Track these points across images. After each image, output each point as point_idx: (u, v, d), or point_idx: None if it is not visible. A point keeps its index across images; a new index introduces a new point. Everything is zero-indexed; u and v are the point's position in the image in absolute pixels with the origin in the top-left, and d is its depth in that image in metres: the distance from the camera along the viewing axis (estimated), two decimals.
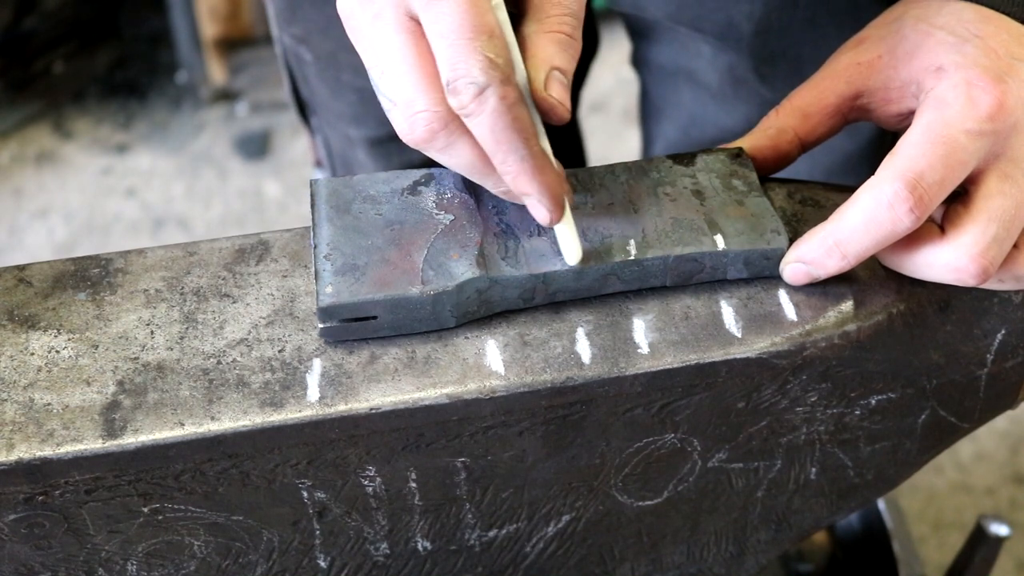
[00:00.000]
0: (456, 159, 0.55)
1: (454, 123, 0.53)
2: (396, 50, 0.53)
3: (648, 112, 1.07)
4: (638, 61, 1.03)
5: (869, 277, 0.59)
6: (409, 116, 0.53)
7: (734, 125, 0.94)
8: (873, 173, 0.55)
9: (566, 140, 1.17)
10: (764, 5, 0.83)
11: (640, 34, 0.99)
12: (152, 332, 0.56)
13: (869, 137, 0.92)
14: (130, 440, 0.52)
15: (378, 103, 0.56)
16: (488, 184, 0.56)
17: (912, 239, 0.56)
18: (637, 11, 0.89)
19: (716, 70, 0.91)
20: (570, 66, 0.55)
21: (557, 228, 0.56)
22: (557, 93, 0.54)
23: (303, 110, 1.07)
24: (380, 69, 0.54)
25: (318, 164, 1.15)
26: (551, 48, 0.54)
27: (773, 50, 0.86)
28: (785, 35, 0.85)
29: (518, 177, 0.53)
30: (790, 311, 0.58)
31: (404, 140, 0.54)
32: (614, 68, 1.89)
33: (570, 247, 0.56)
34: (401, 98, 0.53)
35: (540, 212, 0.55)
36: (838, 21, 0.84)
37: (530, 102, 0.54)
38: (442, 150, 0.54)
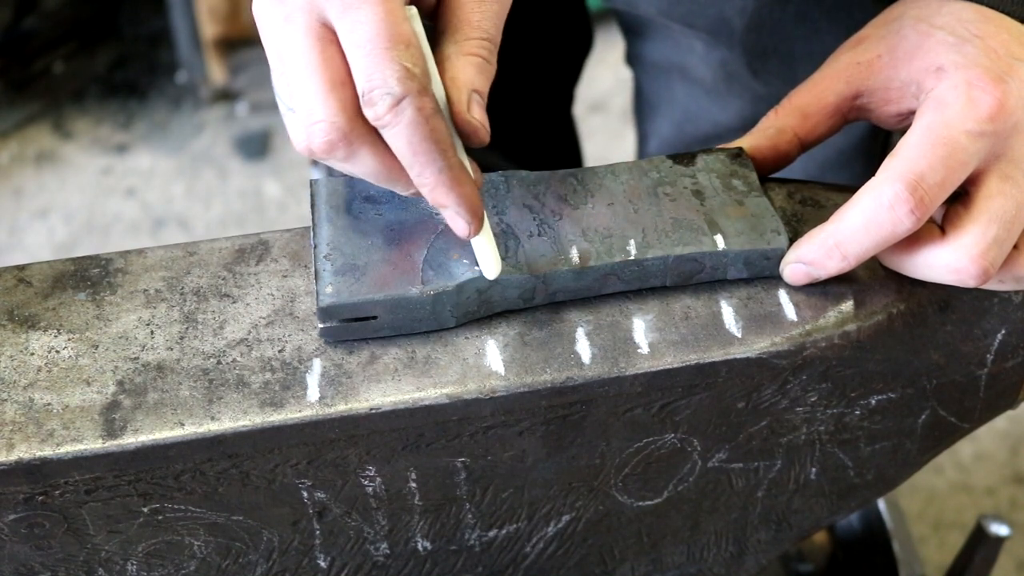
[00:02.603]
0: (358, 168, 0.54)
1: (354, 133, 0.52)
2: (301, 55, 0.52)
3: (642, 109, 1.07)
4: (632, 58, 1.03)
5: (869, 277, 0.59)
6: (308, 125, 0.52)
7: (728, 120, 0.94)
8: (867, 168, 0.55)
9: (562, 140, 1.17)
10: (756, 1, 0.83)
11: (633, 31, 1.00)
12: (152, 332, 0.56)
13: (863, 132, 0.92)
14: (130, 440, 0.52)
15: None
16: (397, 188, 0.55)
17: (912, 240, 0.56)
18: (630, 8, 0.89)
19: (709, 66, 0.91)
20: (487, 89, 0.54)
21: (474, 241, 0.55)
22: (479, 115, 0.53)
23: None
24: (281, 72, 0.53)
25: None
26: (470, 70, 0.54)
27: (765, 45, 0.86)
28: (777, 30, 0.85)
29: (435, 189, 0.52)
30: (790, 311, 0.58)
31: (299, 150, 0.53)
32: (614, 68, 1.89)
33: (488, 261, 0.55)
34: (300, 106, 0.52)
35: (458, 224, 0.54)
36: (830, 16, 0.84)
37: (447, 116, 0.53)
38: (343, 160, 0.53)
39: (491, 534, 0.62)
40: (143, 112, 2.29)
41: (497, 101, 0.63)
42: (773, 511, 0.67)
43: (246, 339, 0.56)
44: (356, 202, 0.59)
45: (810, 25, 0.84)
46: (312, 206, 0.59)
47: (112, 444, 0.52)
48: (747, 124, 0.65)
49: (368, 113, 0.51)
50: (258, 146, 2.20)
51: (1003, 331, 0.62)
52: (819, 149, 0.66)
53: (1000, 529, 0.84)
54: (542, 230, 0.58)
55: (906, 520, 1.07)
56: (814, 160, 0.91)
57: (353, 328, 0.55)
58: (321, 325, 0.55)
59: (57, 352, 0.55)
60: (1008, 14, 0.58)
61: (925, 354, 0.61)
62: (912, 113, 0.58)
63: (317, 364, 0.55)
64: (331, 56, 0.51)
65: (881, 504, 1.05)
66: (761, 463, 0.63)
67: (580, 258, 0.57)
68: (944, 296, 0.60)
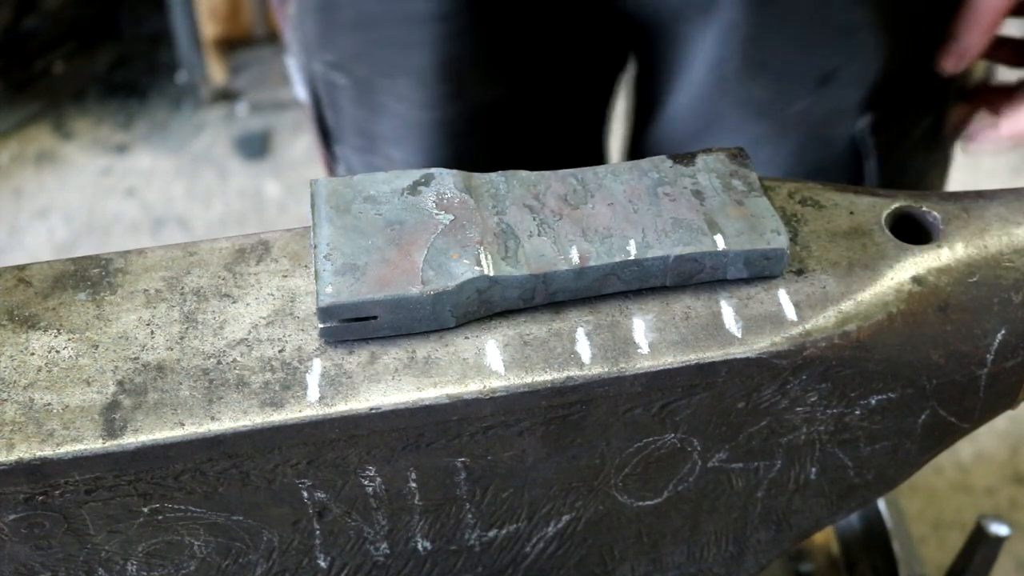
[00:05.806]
0: None
1: None
2: None
3: (636, 108, 1.07)
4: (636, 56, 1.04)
5: (869, 276, 0.59)
6: None
7: (719, 128, 0.95)
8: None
9: (593, 162, 1.17)
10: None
11: (636, 31, 1.00)
12: (152, 332, 0.56)
13: (843, 147, 0.93)
14: (130, 440, 0.52)
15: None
16: None
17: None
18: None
19: (706, 64, 0.91)
20: None
21: None
22: None
23: (327, 138, 1.06)
24: None
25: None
26: None
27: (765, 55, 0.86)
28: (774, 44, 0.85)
29: None
30: (790, 311, 0.58)
31: None
32: None
33: None
34: None
35: None
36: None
37: None
38: None
39: (491, 534, 0.62)
40: (143, 112, 2.29)
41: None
42: (773, 511, 0.67)
43: (246, 339, 0.56)
44: (356, 202, 0.59)
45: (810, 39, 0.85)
46: (312, 206, 0.59)
47: (112, 444, 0.52)
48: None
49: None
50: (258, 146, 2.20)
51: (1003, 331, 0.62)
52: (799, 164, 0.66)
53: (1000, 529, 0.84)
54: (542, 230, 0.58)
55: (906, 520, 1.07)
56: (796, 175, 0.92)
57: (353, 328, 0.55)
58: (321, 325, 0.55)
59: (57, 352, 0.55)
60: None
61: (925, 354, 0.61)
62: None
63: (317, 364, 0.55)
64: None
65: (881, 504, 1.05)
66: (761, 463, 0.63)
67: (580, 258, 0.57)
68: (944, 296, 0.60)
